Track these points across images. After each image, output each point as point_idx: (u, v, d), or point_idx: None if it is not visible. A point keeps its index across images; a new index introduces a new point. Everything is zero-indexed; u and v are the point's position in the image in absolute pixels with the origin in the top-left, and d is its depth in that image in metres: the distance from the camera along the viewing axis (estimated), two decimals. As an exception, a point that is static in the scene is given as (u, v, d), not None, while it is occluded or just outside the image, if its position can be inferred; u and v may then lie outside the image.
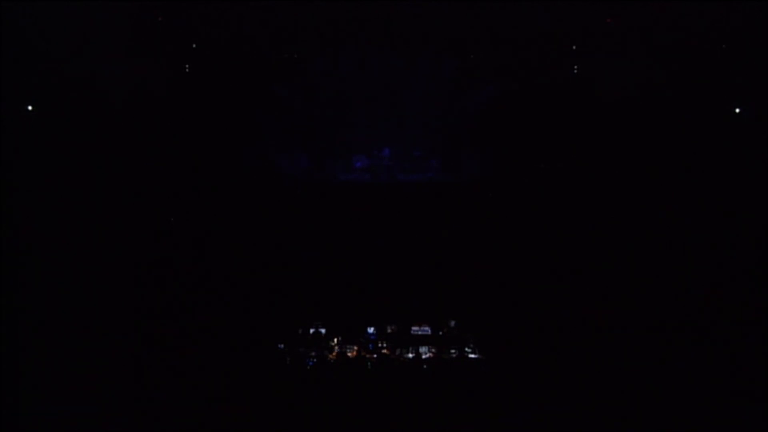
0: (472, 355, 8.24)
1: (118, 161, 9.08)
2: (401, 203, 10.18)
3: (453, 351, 8.29)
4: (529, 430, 6.82)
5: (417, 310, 8.74)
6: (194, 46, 9.97)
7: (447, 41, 10.01)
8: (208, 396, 7.12)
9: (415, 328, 8.60)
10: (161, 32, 9.56)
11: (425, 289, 8.90)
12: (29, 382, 7.15)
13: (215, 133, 9.83)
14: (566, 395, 7.12)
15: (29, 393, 7.01)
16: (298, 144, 10.90)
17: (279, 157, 10.75)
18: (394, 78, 10.69)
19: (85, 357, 7.48)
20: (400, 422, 6.85)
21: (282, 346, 8.27)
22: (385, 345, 8.41)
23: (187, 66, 9.99)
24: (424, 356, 8.28)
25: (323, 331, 8.56)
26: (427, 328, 8.60)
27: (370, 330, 8.56)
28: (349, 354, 8.31)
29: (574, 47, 9.99)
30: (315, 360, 8.16)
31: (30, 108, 8.77)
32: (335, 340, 8.44)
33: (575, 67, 10.06)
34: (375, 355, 8.29)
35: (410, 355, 8.29)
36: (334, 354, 8.31)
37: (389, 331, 8.57)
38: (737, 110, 9.07)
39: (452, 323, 8.66)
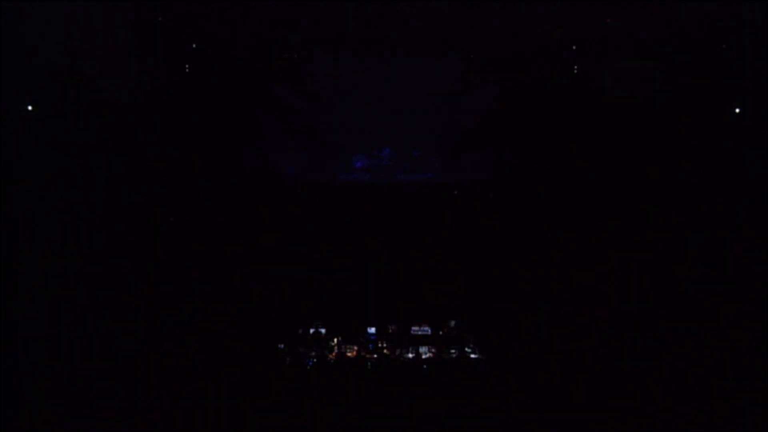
0: (472, 355, 8.26)
1: (118, 161, 9.07)
2: (401, 203, 10.17)
3: (453, 351, 8.30)
4: (529, 430, 6.83)
5: (417, 310, 8.75)
6: (194, 46, 9.96)
7: (447, 41, 10.00)
8: (208, 396, 7.13)
9: (415, 328, 8.61)
10: (161, 32, 9.54)
11: (425, 289, 8.91)
12: (29, 382, 7.15)
13: (215, 133, 9.82)
14: (566, 395, 7.13)
15: (29, 393, 7.02)
16: (298, 144, 10.91)
17: (279, 157, 10.76)
18: (395, 78, 10.68)
19: (85, 357, 7.49)
20: (400, 422, 6.86)
21: (282, 346, 8.29)
22: (385, 345, 8.42)
23: (187, 66, 9.99)
24: (424, 356, 8.28)
25: (323, 331, 8.57)
26: (427, 328, 8.62)
27: (370, 330, 8.58)
28: (349, 354, 8.32)
29: (574, 47, 9.99)
30: (315, 360, 8.17)
31: (30, 108, 8.76)
32: (335, 340, 8.45)
33: (575, 67, 10.06)
34: (375, 355, 8.30)
35: (410, 355, 8.31)
36: (334, 354, 8.32)
37: (389, 331, 8.59)
38: (737, 110, 9.06)
39: (452, 323, 8.68)
